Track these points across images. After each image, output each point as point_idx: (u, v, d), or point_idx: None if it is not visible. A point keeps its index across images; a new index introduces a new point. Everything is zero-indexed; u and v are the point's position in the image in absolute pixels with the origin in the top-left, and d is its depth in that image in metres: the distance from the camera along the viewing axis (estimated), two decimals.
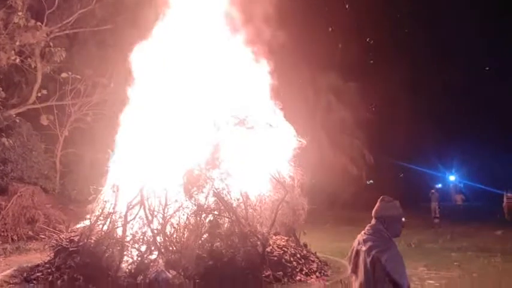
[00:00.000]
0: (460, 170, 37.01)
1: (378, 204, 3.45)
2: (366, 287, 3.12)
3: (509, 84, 28.40)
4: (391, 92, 21.80)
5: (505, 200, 21.67)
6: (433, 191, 22.45)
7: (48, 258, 8.72)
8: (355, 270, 3.33)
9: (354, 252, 3.39)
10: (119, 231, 8.37)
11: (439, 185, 36.05)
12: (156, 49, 10.05)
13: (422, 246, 12.86)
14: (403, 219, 3.34)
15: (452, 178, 37.08)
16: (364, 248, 3.27)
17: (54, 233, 9.98)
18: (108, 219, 8.54)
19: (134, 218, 8.35)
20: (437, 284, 8.62)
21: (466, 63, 28.63)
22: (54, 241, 9.00)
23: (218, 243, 8.27)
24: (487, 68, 28.13)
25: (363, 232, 3.43)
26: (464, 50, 28.16)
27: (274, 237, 9.84)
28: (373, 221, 3.41)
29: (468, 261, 10.04)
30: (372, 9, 22.79)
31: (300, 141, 10.07)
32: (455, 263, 9.97)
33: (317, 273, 8.74)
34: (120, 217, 8.49)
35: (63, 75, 16.62)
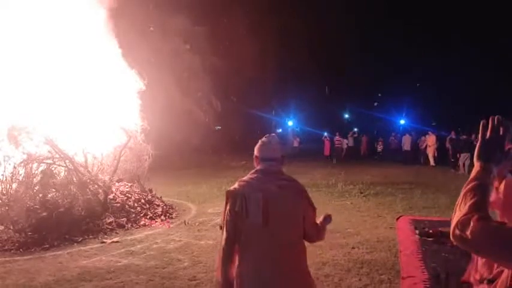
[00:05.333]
0: (296, 115, 40.81)
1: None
2: None
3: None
4: (239, 37, 22.29)
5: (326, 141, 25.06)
6: (273, 134, 24.32)
7: None
8: None
9: None
10: None
11: (280, 130, 39.28)
12: None
13: None
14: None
15: (290, 123, 40.54)
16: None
17: None
18: None
19: None
20: None
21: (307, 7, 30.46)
22: None
23: (53, 194, 7.73)
24: None
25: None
26: None
27: (117, 184, 9.61)
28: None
29: None
30: None
31: (142, 86, 9.74)
32: None
33: (162, 217, 8.89)
34: None
35: None
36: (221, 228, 2.59)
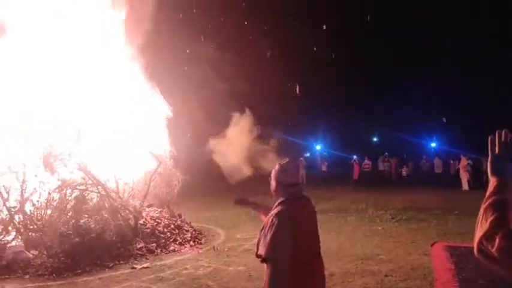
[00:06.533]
0: (324, 139, 40.64)
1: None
2: None
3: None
4: (265, 62, 22.62)
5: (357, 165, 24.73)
6: (301, 159, 24.23)
7: None
8: None
9: None
10: None
11: (308, 154, 39.11)
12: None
13: None
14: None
15: (318, 147, 40.32)
16: None
17: None
18: None
19: None
20: None
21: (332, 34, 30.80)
22: None
23: (86, 219, 7.89)
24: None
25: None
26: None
27: (147, 210, 9.73)
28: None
29: (328, 222, 11.15)
30: None
31: (170, 113, 10.00)
32: None
33: (191, 242, 8.91)
34: None
35: None
36: (265, 260, 2.54)
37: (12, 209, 7.52)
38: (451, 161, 21.17)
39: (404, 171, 25.46)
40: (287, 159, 2.78)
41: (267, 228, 2.55)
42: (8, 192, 7.59)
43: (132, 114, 9.31)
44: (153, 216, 9.55)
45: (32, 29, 8.89)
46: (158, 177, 9.87)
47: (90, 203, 8.05)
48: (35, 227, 7.45)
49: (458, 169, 20.52)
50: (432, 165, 23.50)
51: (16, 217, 7.53)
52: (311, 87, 29.37)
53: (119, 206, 8.43)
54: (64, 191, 7.78)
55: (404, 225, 10.49)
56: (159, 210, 10.02)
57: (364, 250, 7.88)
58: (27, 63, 8.67)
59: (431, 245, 5.46)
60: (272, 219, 2.54)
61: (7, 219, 7.43)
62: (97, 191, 8.22)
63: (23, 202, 7.57)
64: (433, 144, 35.41)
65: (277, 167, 2.72)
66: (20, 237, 7.32)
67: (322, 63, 29.77)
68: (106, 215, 8.16)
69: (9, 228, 7.43)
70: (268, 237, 2.50)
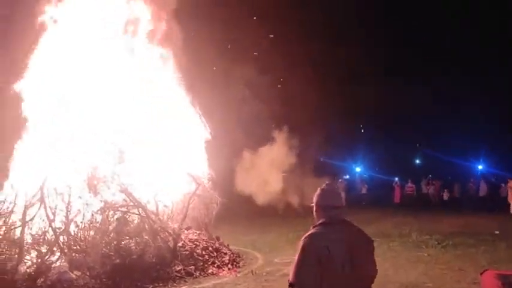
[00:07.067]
0: (364, 161, 39.81)
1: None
2: None
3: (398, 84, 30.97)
4: (304, 85, 22.65)
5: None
6: (340, 180, 23.81)
7: None
8: None
9: None
10: (18, 232, 7.76)
11: (347, 176, 38.37)
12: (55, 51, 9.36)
13: None
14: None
15: (358, 169, 39.54)
16: None
17: None
18: (3, 220, 7.87)
19: (34, 218, 7.79)
20: None
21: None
22: None
23: (127, 241, 8.02)
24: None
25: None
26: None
27: (186, 232, 9.78)
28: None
29: None
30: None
31: (208, 135, 10.13)
32: None
33: (229, 265, 8.85)
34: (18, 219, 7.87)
35: None
36: (292, 285, 2.49)
37: (58, 230, 7.75)
38: (502, 185, 20.14)
39: (445, 195, 24.42)
40: (327, 182, 2.76)
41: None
42: (54, 213, 7.85)
43: (172, 136, 9.48)
44: (191, 239, 9.58)
45: (72, 48, 9.29)
46: (196, 200, 9.94)
47: (131, 225, 8.20)
48: (79, 247, 7.64)
49: (507, 193, 19.48)
50: (479, 188, 22.44)
51: (61, 238, 7.75)
52: (350, 108, 29.07)
53: (159, 228, 8.53)
54: (106, 213, 7.97)
55: (452, 252, 10.00)
56: (198, 232, 10.05)
57: (409, 277, 7.55)
58: (70, 86, 9.06)
59: (481, 273, 5.13)
60: (300, 243, 2.52)
61: (52, 239, 7.66)
62: (138, 213, 8.37)
63: (67, 223, 7.80)
64: (480, 167, 33.89)
65: (318, 190, 2.71)
66: (64, 257, 7.51)
67: (361, 84, 29.53)
68: (146, 237, 8.27)
69: (54, 248, 7.65)
70: (294, 261, 2.46)
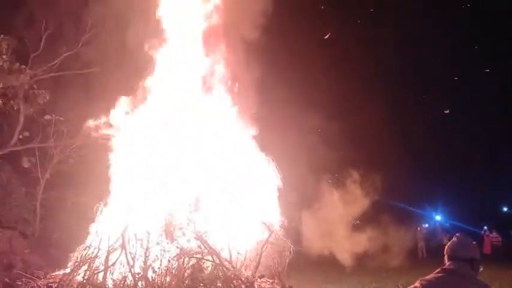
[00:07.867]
0: (445, 209, 37.30)
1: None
2: None
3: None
4: (375, 130, 22.15)
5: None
6: (419, 228, 22.41)
7: None
8: None
9: None
10: (100, 277, 8.12)
11: (426, 225, 36.06)
12: (142, 100, 10.17)
13: None
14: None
15: (438, 217, 37.18)
16: None
17: (32, 279, 9.58)
18: (88, 265, 8.29)
19: (115, 263, 8.13)
20: None
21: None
22: None
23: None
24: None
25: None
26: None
27: (259, 280, 9.63)
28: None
29: None
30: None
31: (279, 182, 10.15)
32: None
33: None
34: (101, 263, 8.27)
35: (47, 117, 16.43)
36: None
37: (137, 275, 7.99)
38: None
39: None
40: (458, 233, 2.79)
41: None
42: (133, 259, 8.14)
43: (245, 183, 9.62)
44: (264, 287, 9.41)
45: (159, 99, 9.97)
46: (270, 247, 9.83)
47: (206, 272, 8.24)
48: None
49: None
50: None
51: (139, 283, 7.96)
52: (426, 152, 27.84)
53: (232, 276, 8.49)
54: (182, 259, 8.11)
55: None
56: (271, 281, 9.85)
57: None
58: (153, 139, 9.64)
59: None
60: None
61: (131, 285, 7.89)
62: (212, 260, 8.42)
63: (146, 269, 8.03)
64: None
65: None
66: None
67: (437, 128, 28.32)
68: (219, 285, 8.24)
69: None
70: None
